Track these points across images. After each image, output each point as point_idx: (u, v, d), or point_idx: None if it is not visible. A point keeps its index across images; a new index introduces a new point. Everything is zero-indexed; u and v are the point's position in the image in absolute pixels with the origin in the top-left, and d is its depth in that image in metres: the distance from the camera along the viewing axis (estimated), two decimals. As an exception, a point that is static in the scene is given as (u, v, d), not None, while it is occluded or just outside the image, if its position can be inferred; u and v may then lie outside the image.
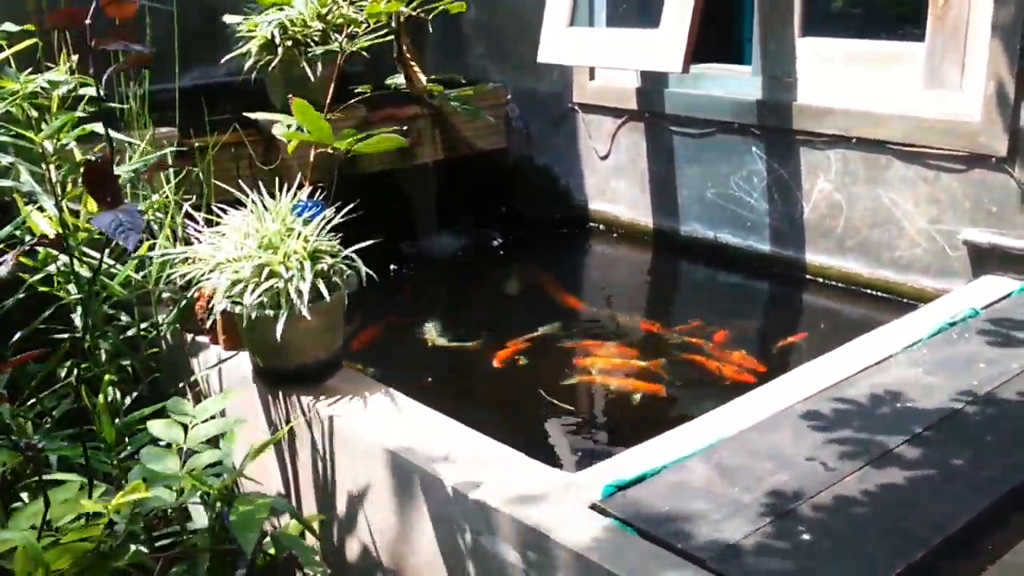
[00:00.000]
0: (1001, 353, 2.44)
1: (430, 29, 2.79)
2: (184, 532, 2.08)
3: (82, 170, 1.66)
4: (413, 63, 2.58)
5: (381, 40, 2.77)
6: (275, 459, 2.48)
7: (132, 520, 1.94)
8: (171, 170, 2.75)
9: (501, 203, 4.92)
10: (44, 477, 1.88)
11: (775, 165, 3.75)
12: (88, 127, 2.46)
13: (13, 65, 2.48)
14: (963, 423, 2.11)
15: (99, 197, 1.63)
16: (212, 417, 2.14)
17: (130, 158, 2.71)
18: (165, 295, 2.67)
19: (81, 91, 2.52)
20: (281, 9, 3.43)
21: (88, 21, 1.63)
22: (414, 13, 2.66)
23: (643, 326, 3.37)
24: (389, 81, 2.73)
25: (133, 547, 1.93)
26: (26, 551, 1.71)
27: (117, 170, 2.50)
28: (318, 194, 2.53)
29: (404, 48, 2.62)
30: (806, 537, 1.70)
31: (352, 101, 2.79)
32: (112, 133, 2.50)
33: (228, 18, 3.61)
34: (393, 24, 2.62)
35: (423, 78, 2.58)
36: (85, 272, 2.43)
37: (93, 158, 1.90)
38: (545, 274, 3.82)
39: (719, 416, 2.22)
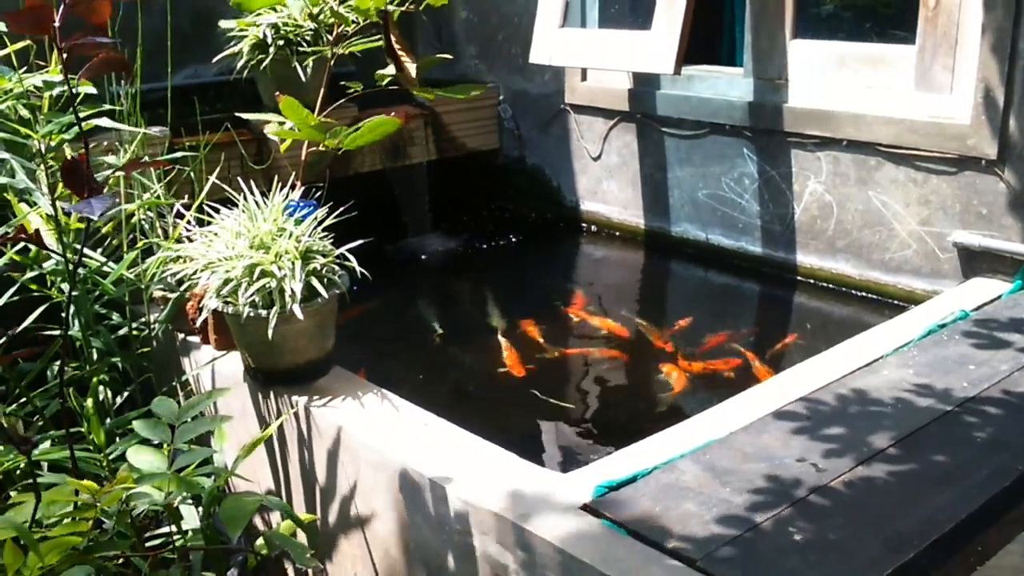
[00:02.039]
0: (991, 355, 2.45)
1: (425, 18, 2.78)
2: (175, 533, 2.07)
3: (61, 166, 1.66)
4: (402, 53, 2.56)
5: (372, 44, 2.77)
6: (266, 459, 2.48)
7: (120, 517, 1.93)
8: (162, 168, 2.75)
9: (493, 203, 4.92)
10: (36, 479, 1.87)
11: (766, 167, 3.77)
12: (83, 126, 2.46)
13: (15, 61, 2.47)
14: (953, 424, 2.12)
15: (77, 192, 1.62)
16: (199, 415, 2.13)
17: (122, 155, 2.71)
18: (157, 294, 2.67)
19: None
20: (275, 10, 3.42)
21: (56, 23, 1.57)
22: (402, 8, 2.65)
23: (658, 343, 3.35)
24: (379, 74, 2.72)
25: (124, 545, 1.92)
26: (12, 546, 1.69)
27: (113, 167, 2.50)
28: (311, 193, 2.53)
29: (393, 39, 2.61)
30: (797, 538, 1.71)
31: (343, 100, 2.79)
32: (109, 124, 2.51)
33: (224, 23, 3.62)
34: (381, 19, 2.61)
35: (413, 69, 2.56)
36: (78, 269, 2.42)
37: (72, 156, 1.89)
38: (576, 298, 3.77)
39: (710, 417, 2.23)
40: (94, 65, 1.64)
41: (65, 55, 1.60)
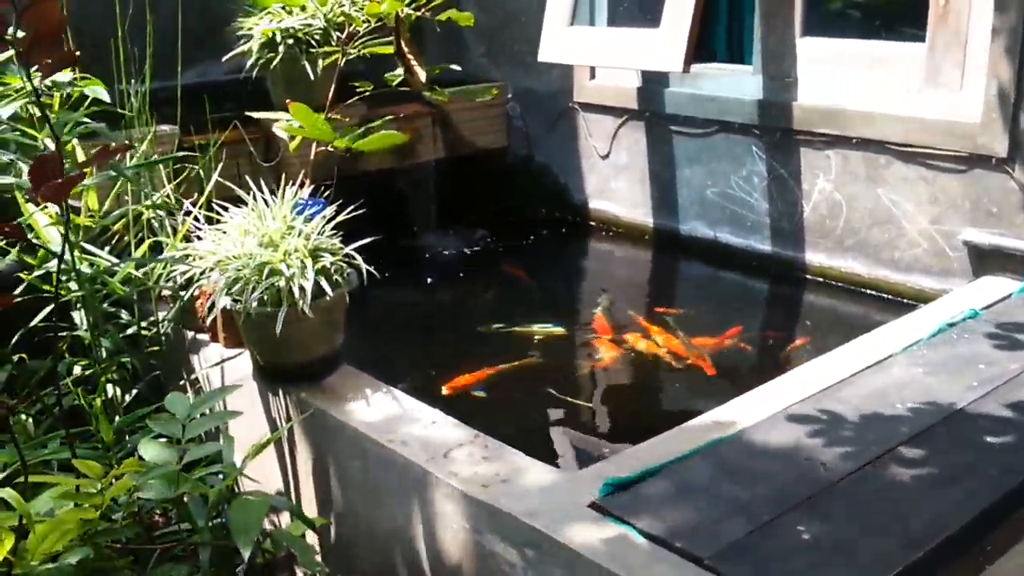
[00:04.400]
0: (1001, 354, 2.44)
1: (437, 29, 2.80)
2: (184, 531, 2.08)
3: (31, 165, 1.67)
4: (412, 57, 2.58)
5: (383, 49, 2.79)
6: (275, 457, 2.48)
7: (128, 507, 1.93)
8: (172, 167, 2.76)
9: (501, 202, 4.92)
10: (36, 480, 1.87)
11: (775, 165, 3.76)
12: (92, 126, 2.47)
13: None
14: (962, 424, 2.11)
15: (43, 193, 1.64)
16: (209, 412, 2.14)
17: (131, 156, 2.71)
18: (165, 292, 2.68)
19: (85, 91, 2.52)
20: (290, 13, 3.44)
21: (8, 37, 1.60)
22: (417, 14, 2.66)
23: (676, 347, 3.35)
24: (388, 76, 2.74)
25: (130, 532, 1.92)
26: (5, 529, 1.69)
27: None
28: (319, 192, 2.54)
29: (403, 43, 2.63)
30: (805, 537, 1.70)
31: (353, 99, 2.80)
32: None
33: (239, 22, 3.64)
34: (393, 22, 2.63)
35: (422, 74, 2.58)
36: (86, 269, 2.43)
37: (45, 153, 1.88)
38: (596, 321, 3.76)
39: (719, 415, 2.22)
40: (48, 67, 1.70)
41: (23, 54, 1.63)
